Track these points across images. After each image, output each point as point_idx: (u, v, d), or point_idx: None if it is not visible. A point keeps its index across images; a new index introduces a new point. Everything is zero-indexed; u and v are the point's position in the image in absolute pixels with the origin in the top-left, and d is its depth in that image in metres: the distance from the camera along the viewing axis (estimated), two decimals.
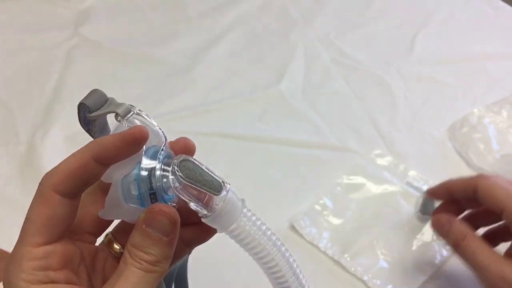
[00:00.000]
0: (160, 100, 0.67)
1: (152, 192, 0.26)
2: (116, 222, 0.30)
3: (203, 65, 0.74)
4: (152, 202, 0.26)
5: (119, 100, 0.28)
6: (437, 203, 0.46)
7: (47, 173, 0.25)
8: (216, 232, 0.28)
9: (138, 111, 0.27)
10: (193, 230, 0.29)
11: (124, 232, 0.29)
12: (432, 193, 0.45)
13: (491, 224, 0.42)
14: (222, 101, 0.67)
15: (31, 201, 0.25)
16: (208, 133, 0.62)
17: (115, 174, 0.26)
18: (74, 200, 0.25)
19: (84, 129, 0.28)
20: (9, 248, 0.31)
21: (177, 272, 0.42)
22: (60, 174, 0.25)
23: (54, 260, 0.25)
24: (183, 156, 0.26)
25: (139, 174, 0.26)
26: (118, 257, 0.29)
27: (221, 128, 0.63)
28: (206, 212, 0.26)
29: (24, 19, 0.81)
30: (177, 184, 0.26)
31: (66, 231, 0.26)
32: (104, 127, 0.29)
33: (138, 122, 0.27)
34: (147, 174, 0.26)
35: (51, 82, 0.68)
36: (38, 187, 0.25)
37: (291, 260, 0.28)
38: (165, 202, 0.26)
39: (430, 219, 0.44)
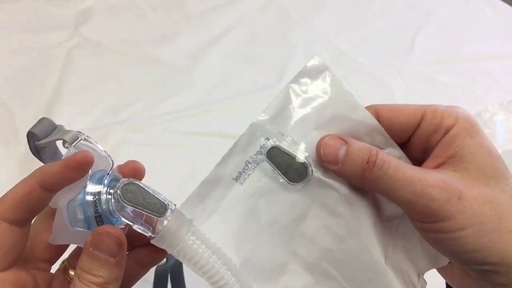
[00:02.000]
0: (160, 100, 0.67)
1: (97, 215, 0.26)
2: (73, 247, 0.30)
3: (203, 65, 0.74)
4: (98, 225, 0.26)
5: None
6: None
7: None
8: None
9: (85, 137, 0.28)
10: (147, 251, 0.30)
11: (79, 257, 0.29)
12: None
13: None
14: (222, 101, 0.68)
15: None
16: (208, 133, 0.62)
17: (61, 200, 0.27)
18: (23, 228, 0.26)
19: (36, 157, 0.29)
20: None
21: (172, 270, 0.42)
22: (7, 202, 0.25)
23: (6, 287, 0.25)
24: (127, 180, 0.27)
25: (84, 198, 0.26)
26: None
27: (221, 128, 0.63)
28: (150, 234, 0.26)
29: (24, 19, 0.81)
30: (119, 208, 0.26)
31: (17, 259, 0.26)
32: (55, 154, 0.29)
33: (85, 148, 0.27)
34: (93, 198, 0.26)
35: (51, 82, 0.68)
36: None
37: (243, 279, 0.28)
38: (112, 224, 0.27)
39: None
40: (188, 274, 0.44)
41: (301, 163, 0.28)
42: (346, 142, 0.28)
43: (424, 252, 0.31)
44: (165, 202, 0.27)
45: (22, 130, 0.60)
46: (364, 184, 0.27)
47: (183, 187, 0.56)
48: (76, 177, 0.26)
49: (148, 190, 0.27)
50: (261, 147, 0.29)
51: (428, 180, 0.26)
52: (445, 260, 0.30)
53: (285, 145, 0.28)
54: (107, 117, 0.63)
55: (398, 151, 0.30)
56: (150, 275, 0.44)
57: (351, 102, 0.29)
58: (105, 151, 0.28)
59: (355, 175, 0.27)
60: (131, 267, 0.29)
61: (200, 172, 0.56)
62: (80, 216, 0.26)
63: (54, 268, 0.30)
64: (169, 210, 0.26)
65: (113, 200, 0.26)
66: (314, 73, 0.29)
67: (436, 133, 0.28)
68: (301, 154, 0.28)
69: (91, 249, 0.25)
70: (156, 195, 0.27)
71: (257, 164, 0.29)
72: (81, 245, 0.26)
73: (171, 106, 0.66)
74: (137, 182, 0.27)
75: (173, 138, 0.62)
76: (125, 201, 0.26)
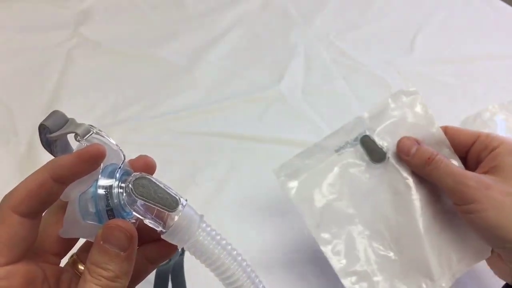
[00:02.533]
0: (160, 100, 0.67)
1: (109, 208, 0.26)
2: (81, 242, 0.30)
3: (203, 65, 0.74)
4: (109, 219, 0.26)
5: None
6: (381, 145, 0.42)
7: (6, 194, 0.25)
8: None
9: (97, 131, 0.28)
10: (156, 246, 0.30)
11: (88, 251, 0.29)
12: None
13: None
14: (222, 101, 0.67)
15: None
16: (208, 133, 0.62)
17: (73, 192, 0.26)
18: (34, 220, 0.26)
19: (46, 150, 0.29)
20: None
21: (173, 270, 0.42)
22: (18, 194, 0.25)
23: (16, 280, 0.25)
24: (139, 174, 0.27)
25: (96, 192, 0.26)
26: None
27: (221, 128, 0.63)
28: (161, 229, 0.26)
29: (24, 19, 0.81)
30: (130, 202, 0.26)
31: (27, 251, 0.26)
32: (66, 147, 0.30)
33: (97, 142, 0.27)
34: (104, 192, 0.26)
35: (51, 82, 0.68)
36: None
37: (253, 275, 0.28)
38: (123, 218, 0.27)
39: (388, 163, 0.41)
40: (188, 274, 0.44)
41: (383, 150, 0.41)
42: (418, 143, 0.40)
43: (471, 245, 0.40)
44: (177, 197, 0.27)
45: (22, 130, 0.60)
46: (423, 172, 0.39)
47: (183, 187, 0.56)
48: (88, 170, 0.26)
49: (160, 184, 0.27)
50: (358, 136, 0.42)
51: (466, 174, 0.36)
52: (488, 252, 0.39)
53: (375, 136, 0.41)
54: (107, 117, 0.63)
55: (458, 163, 0.41)
56: (150, 275, 0.44)
57: (430, 119, 0.42)
58: (117, 145, 0.28)
59: (419, 165, 0.39)
60: (140, 262, 0.29)
61: (200, 172, 0.57)
62: (92, 209, 0.26)
63: (63, 262, 0.30)
64: (180, 205, 0.26)
65: (124, 194, 0.26)
66: (408, 94, 0.44)
67: (485, 151, 0.38)
68: (384, 145, 0.41)
69: (101, 242, 0.25)
70: (167, 190, 0.27)
71: (353, 146, 0.42)
72: (91, 239, 0.26)
73: (171, 106, 0.66)
74: (149, 177, 0.27)
75: (173, 138, 0.62)
76: (136, 195, 0.26)
